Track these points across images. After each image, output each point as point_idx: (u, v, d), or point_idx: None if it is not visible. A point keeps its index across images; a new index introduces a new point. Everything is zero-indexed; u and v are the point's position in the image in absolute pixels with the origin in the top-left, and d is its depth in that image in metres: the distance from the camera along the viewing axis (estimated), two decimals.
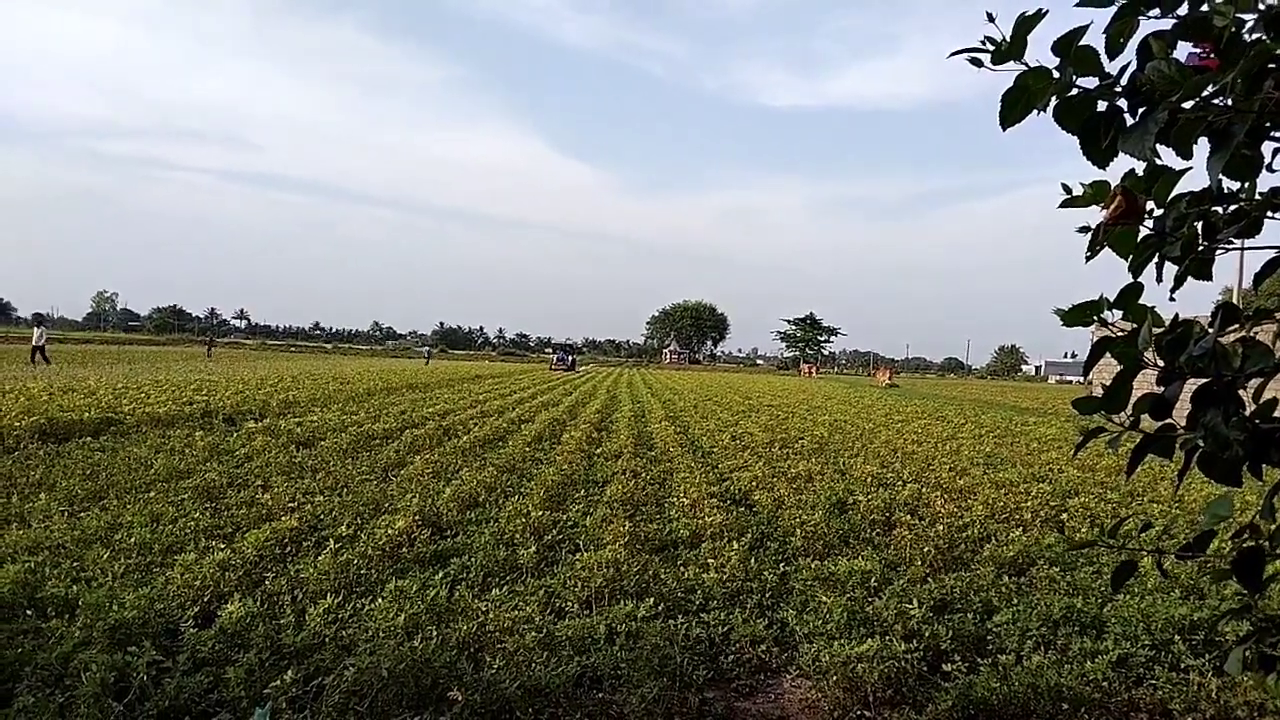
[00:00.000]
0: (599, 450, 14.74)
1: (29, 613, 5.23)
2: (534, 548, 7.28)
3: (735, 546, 7.38)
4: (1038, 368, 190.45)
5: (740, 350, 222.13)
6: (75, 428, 13.55)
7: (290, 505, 8.72)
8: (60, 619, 5.06)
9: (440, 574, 6.54)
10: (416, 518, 8.11)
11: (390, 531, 7.48)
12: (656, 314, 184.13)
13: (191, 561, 6.27)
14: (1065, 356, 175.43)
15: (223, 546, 6.86)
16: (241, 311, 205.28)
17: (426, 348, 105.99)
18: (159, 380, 27.17)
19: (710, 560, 7.05)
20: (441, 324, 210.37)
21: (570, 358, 74.60)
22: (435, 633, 5.06)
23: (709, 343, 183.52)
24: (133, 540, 6.98)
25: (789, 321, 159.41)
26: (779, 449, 15.89)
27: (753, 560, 7.17)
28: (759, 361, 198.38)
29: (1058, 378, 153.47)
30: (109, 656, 4.41)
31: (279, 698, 4.21)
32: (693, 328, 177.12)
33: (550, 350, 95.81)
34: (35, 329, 35.98)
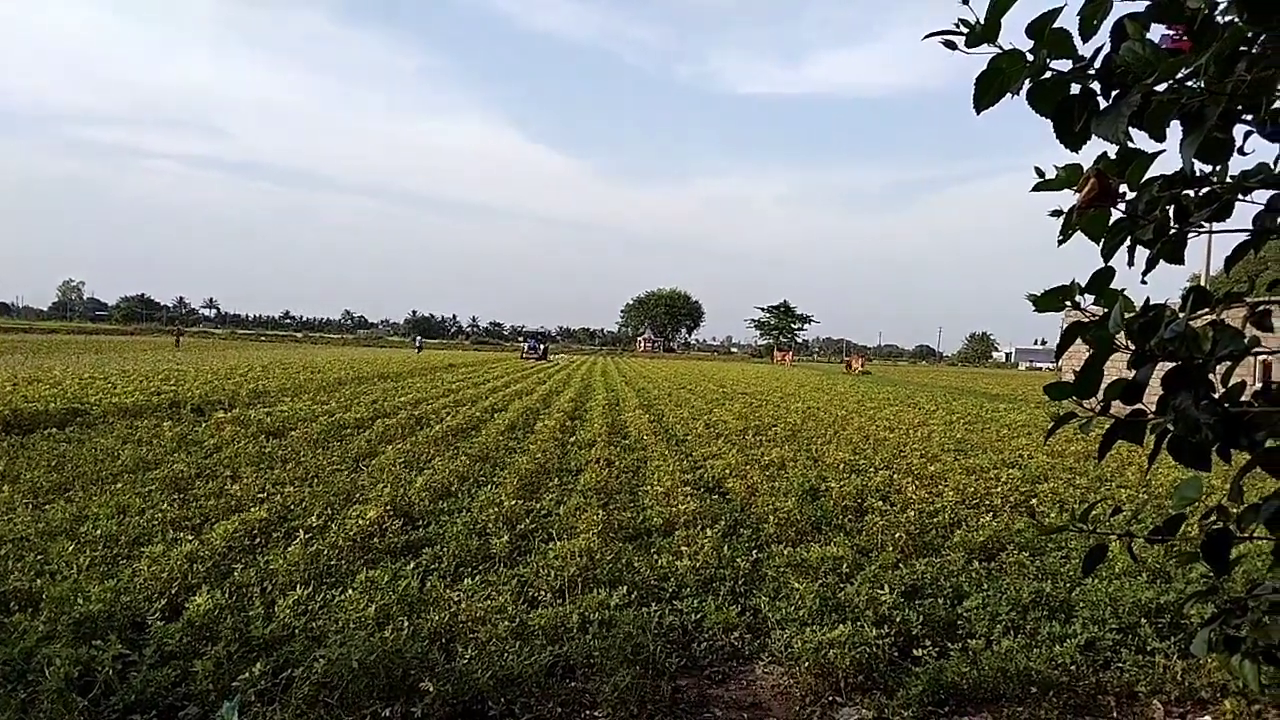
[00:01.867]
0: (573, 439, 14.70)
1: None
2: (507, 537, 7.24)
3: (708, 534, 7.39)
4: (1008, 354, 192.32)
5: (715, 338, 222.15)
6: (40, 419, 13.34)
7: (260, 496, 8.62)
8: (24, 613, 4.96)
9: (412, 564, 6.51)
10: (388, 508, 8.03)
11: (361, 522, 7.41)
12: (631, 302, 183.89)
13: (159, 553, 6.18)
14: (1035, 343, 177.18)
15: (190, 538, 6.76)
16: (211, 300, 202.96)
17: (419, 337, 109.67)
18: (126, 370, 26.84)
19: (683, 548, 7.05)
20: (414, 312, 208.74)
21: (542, 346, 73.60)
22: (406, 623, 5.01)
23: (683, 331, 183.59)
24: (99, 532, 6.86)
25: (763, 309, 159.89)
26: (752, 436, 15.94)
27: (726, 547, 7.18)
28: (733, 349, 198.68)
29: (1028, 364, 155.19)
30: (73, 651, 4.33)
31: (248, 690, 4.16)
32: (667, 316, 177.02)
33: (522, 339, 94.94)
34: None
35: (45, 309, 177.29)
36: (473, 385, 27.97)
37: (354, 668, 4.28)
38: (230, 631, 4.82)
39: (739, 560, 6.84)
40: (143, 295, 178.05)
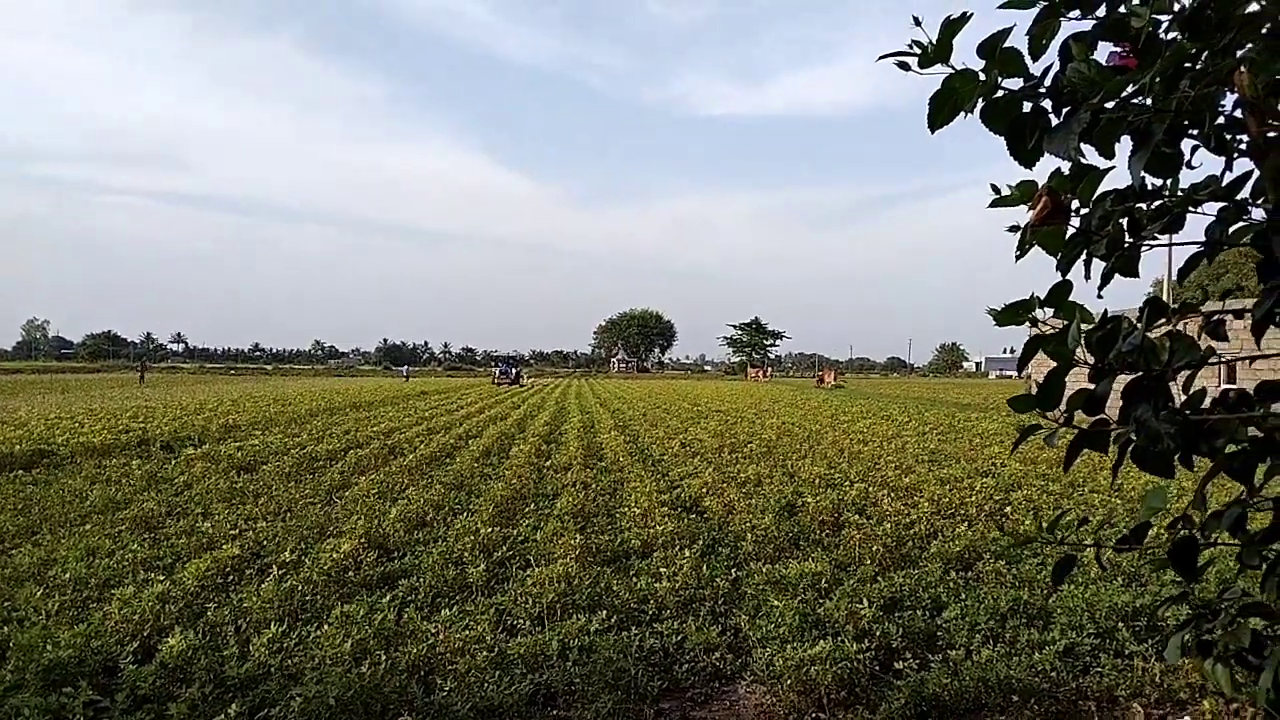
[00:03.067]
0: (548, 463, 14.64)
1: None
2: (484, 565, 7.19)
3: (687, 554, 7.38)
4: (978, 364, 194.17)
5: (688, 356, 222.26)
6: (6, 461, 13.13)
7: (232, 533, 8.50)
8: None
9: (388, 596, 6.43)
10: (362, 540, 7.96)
11: (335, 555, 7.33)
12: (603, 324, 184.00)
13: (129, 595, 6.08)
14: (1004, 352, 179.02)
15: (162, 578, 6.65)
16: (178, 335, 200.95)
17: (406, 367, 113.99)
18: (94, 409, 26.45)
19: (662, 569, 7.03)
20: (385, 340, 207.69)
21: (515, 370, 72.96)
22: (384, 657, 4.95)
23: (657, 350, 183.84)
24: (67, 576, 6.74)
25: (735, 326, 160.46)
26: (728, 454, 15.96)
27: (704, 567, 7.16)
28: (706, 367, 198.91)
29: (998, 373, 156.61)
30: (42, 699, 4.25)
31: None
32: (640, 336, 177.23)
33: (494, 364, 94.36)
34: None
35: (9, 349, 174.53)
36: (446, 412, 27.82)
37: (331, 705, 4.23)
38: (204, 672, 4.75)
39: (718, 579, 6.82)
40: (109, 332, 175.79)
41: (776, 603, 6.05)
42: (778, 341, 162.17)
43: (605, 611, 5.89)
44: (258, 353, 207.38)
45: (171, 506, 9.96)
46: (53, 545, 7.91)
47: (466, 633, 5.48)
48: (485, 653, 5.14)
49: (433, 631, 5.48)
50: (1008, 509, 9.92)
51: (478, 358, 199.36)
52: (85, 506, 9.84)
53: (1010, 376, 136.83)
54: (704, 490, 11.11)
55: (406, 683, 4.64)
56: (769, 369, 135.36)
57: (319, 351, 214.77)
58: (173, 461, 13.94)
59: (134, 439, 16.74)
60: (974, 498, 10.37)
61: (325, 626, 5.55)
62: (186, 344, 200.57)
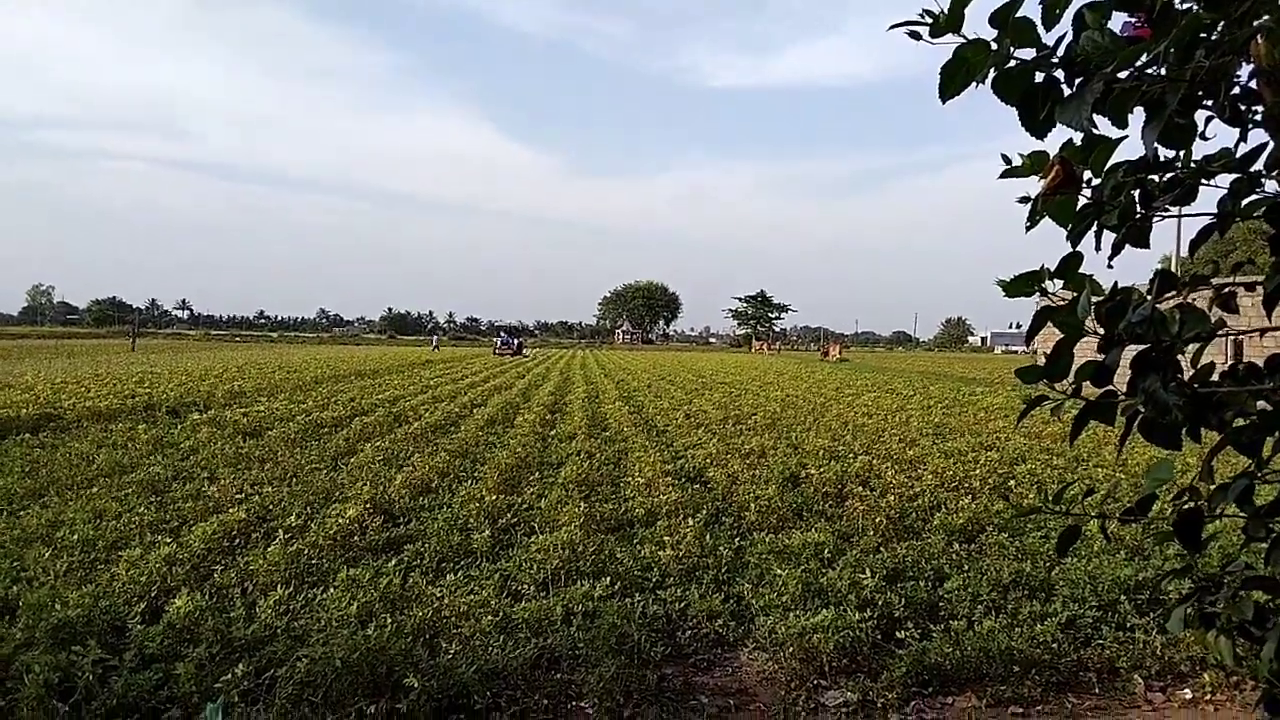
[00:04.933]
0: (553, 432, 14.68)
1: None
2: (488, 532, 7.23)
3: (690, 523, 7.43)
4: (984, 338, 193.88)
5: (693, 329, 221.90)
6: (13, 424, 13.19)
7: (238, 497, 8.56)
8: (0, 621, 4.91)
9: (394, 561, 6.49)
10: (368, 505, 8.02)
11: (341, 520, 7.39)
12: (608, 295, 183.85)
13: (137, 557, 6.14)
14: (1010, 327, 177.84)
15: (169, 541, 6.72)
16: (184, 302, 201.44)
17: (437, 334, 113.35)
18: (99, 374, 26.55)
19: (666, 538, 7.07)
20: (390, 309, 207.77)
21: (516, 340, 72.41)
22: (389, 620, 4.98)
23: (661, 322, 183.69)
24: (75, 537, 6.80)
25: (740, 299, 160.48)
26: (732, 425, 15.98)
27: (708, 536, 7.21)
28: (711, 340, 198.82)
29: (1003, 347, 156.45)
30: (52, 657, 4.29)
31: (231, 691, 4.14)
32: (645, 308, 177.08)
33: (496, 334, 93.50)
34: None
35: (15, 314, 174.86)
36: (451, 381, 27.87)
37: (337, 666, 4.27)
38: (211, 633, 4.79)
39: (721, 549, 6.87)
40: (114, 298, 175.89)
41: (779, 572, 6.09)
42: (783, 314, 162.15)
43: (609, 578, 5.92)
44: (262, 320, 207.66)
45: (178, 471, 10.03)
46: (60, 507, 7.97)
47: (471, 597, 5.53)
48: (490, 617, 5.20)
49: (438, 596, 5.53)
50: (1011, 482, 9.94)
51: (482, 327, 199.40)
52: (92, 470, 9.90)
53: (1016, 351, 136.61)
54: (708, 461, 11.15)
55: (412, 645, 4.68)
56: (777, 342, 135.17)
57: (324, 320, 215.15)
58: (179, 426, 14.00)
59: (140, 404, 16.81)
60: (978, 471, 10.40)
61: (331, 590, 5.61)
62: (192, 311, 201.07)
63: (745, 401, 21.57)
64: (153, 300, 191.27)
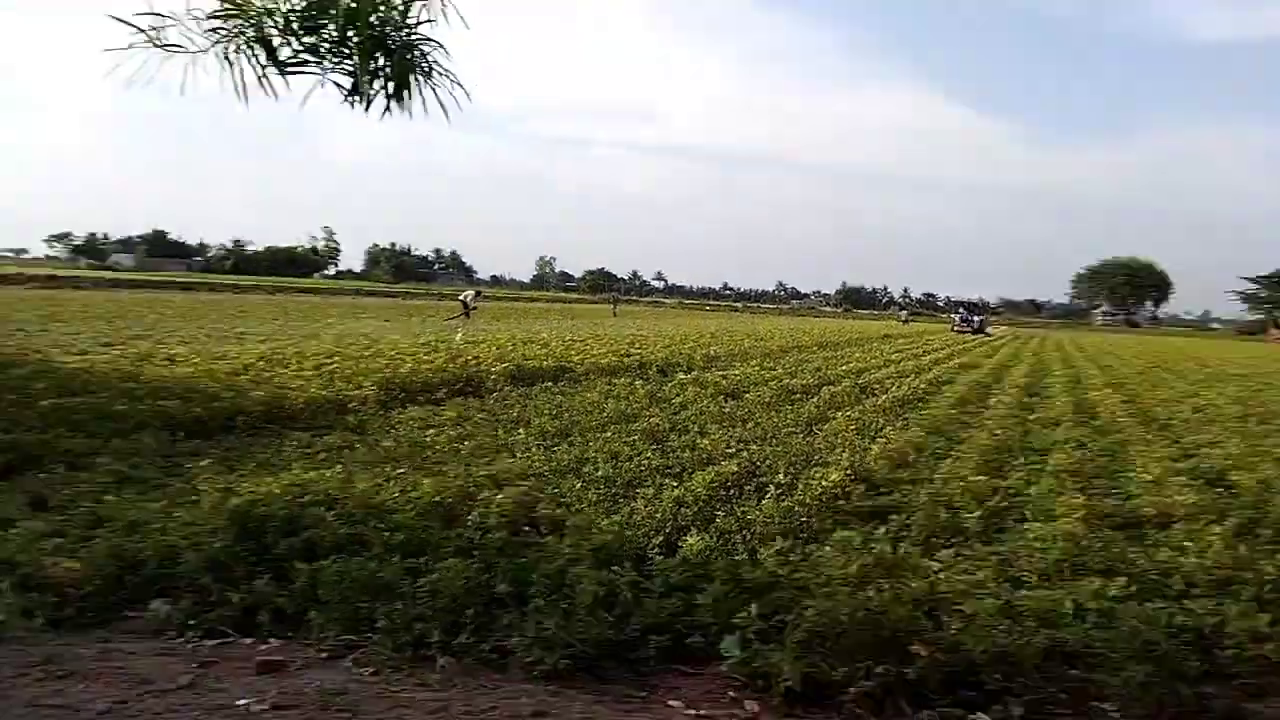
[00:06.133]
0: (1033, 416, 13.74)
1: (528, 529, 6.02)
2: (978, 513, 6.94)
3: (1216, 530, 6.52)
4: None
5: (1188, 312, 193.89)
6: (538, 374, 15.44)
7: (728, 451, 9.12)
8: (554, 536, 5.75)
9: (881, 529, 6.48)
10: (848, 472, 8.14)
11: (824, 483, 7.57)
12: (1083, 271, 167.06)
13: (651, 495, 6.83)
14: None
15: (675, 484, 7.37)
16: (659, 273, 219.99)
17: (960, 310, 78.99)
18: (598, 335, 30.06)
19: (1186, 543, 6.26)
20: (844, 284, 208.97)
21: (977, 318, 66.96)
22: (887, 586, 4.99)
23: (1149, 304, 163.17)
24: (599, 473, 7.74)
25: (1251, 280, 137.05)
26: (1257, 425, 13.72)
27: (1241, 547, 6.24)
28: (1214, 325, 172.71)
29: None
30: (596, 573, 4.90)
31: (746, 629, 4.42)
32: (1127, 287, 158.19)
33: (955, 310, 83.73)
34: (469, 291, 38.44)
35: (526, 281, 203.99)
36: (912, 357, 27.35)
37: (842, 620, 4.36)
38: (722, 572, 5.13)
39: (1261, 563, 5.91)
40: (603, 269, 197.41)
41: None
42: None
43: (1123, 579, 5.38)
44: (727, 291, 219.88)
45: (673, 423, 10.97)
46: (583, 446, 9.10)
47: (968, 576, 5.35)
48: (991, 599, 4.96)
49: (934, 570, 5.42)
50: None
51: (939, 303, 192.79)
52: (603, 416, 11.19)
53: None
54: (1229, 462, 9.69)
55: (913, 614, 4.63)
56: None
57: (781, 292, 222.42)
58: (667, 384, 15.35)
59: (633, 363, 18.74)
60: None
61: (826, 548, 5.76)
62: (666, 281, 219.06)
63: (1269, 396, 18.44)
64: (634, 271, 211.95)
